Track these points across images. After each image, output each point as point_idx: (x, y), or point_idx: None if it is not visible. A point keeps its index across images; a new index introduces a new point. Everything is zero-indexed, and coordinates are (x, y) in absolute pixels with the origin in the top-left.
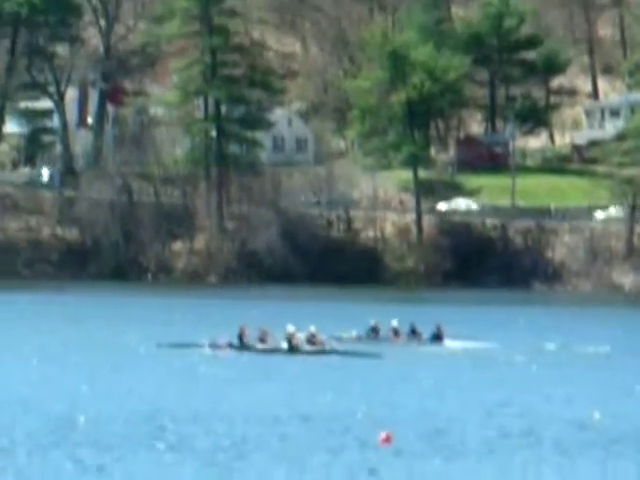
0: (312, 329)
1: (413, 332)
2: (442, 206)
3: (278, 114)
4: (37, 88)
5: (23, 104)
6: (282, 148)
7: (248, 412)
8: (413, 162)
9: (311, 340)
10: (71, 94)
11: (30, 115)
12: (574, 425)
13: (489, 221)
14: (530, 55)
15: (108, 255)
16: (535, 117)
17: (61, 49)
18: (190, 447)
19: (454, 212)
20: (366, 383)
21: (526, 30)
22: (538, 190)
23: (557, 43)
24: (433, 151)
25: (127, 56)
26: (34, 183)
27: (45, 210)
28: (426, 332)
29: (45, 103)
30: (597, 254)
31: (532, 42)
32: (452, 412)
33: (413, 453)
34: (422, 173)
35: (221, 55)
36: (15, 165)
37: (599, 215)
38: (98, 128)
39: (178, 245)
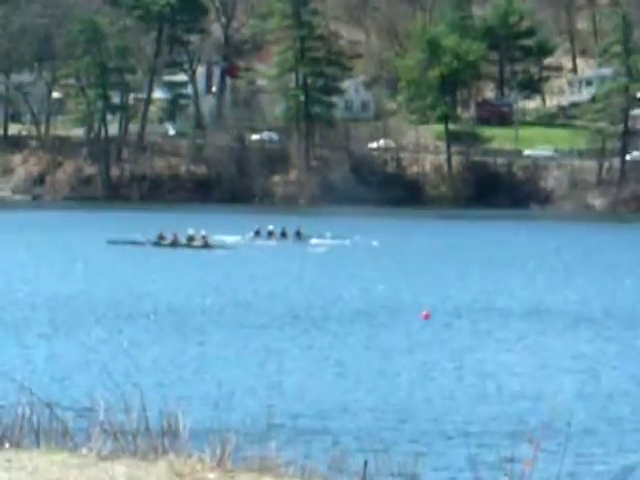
0: (202, 232)
1: (283, 234)
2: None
3: (348, 84)
4: (176, 66)
5: (167, 77)
6: (351, 108)
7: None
8: (444, 118)
9: (204, 240)
10: (200, 70)
11: (171, 85)
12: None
13: (499, 160)
14: (528, 42)
15: (227, 185)
16: (531, 86)
17: (193, 38)
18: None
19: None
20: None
21: (525, 24)
22: (534, 138)
23: (547, 33)
24: (459, 110)
25: (241, 43)
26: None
27: (182, 153)
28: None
29: (182, 77)
30: (576, 183)
31: (529, 32)
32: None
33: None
34: (451, 126)
35: (307, 43)
36: (160, 121)
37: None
38: (220, 94)
39: (277, 178)
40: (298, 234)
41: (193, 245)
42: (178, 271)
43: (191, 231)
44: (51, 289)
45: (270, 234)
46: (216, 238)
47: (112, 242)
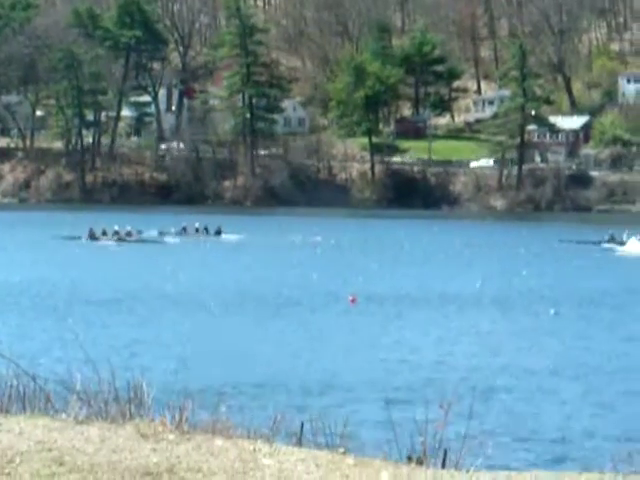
0: (128, 228)
1: (206, 229)
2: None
3: (287, 103)
4: (141, 89)
5: (133, 98)
6: (289, 124)
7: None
8: (369, 133)
9: (127, 234)
10: (162, 92)
11: (137, 105)
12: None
13: (415, 168)
14: (439, 68)
15: (184, 189)
16: (442, 105)
17: (156, 65)
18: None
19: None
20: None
21: (437, 52)
22: (444, 149)
23: (455, 60)
24: (381, 126)
25: (196, 69)
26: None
27: (146, 162)
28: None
29: (146, 98)
30: (480, 187)
31: (440, 60)
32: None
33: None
34: (374, 139)
35: (252, 68)
36: (128, 135)
37: (473, 164)
38: (178, 112)
39: (227, 183)
40: (218, 231)
41: (122, 239)
42: (115, 262)
43: (116, 227)
44: (10, 276)
45: (197, 230)
46: (145, 234)
47: (55, 237)
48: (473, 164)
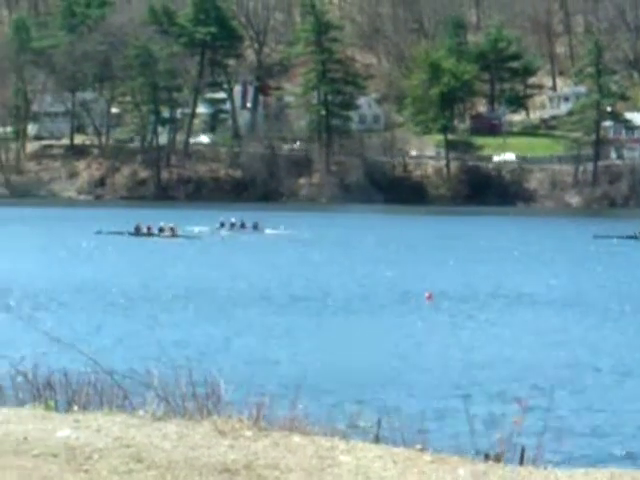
0: (171, 224)
1: (242, 225)
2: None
3: (362, 100)
4: (216, 85)
5: (208, 95)
6: (365, 121)
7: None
8: (444, 129)
9: (172, 230)
10: (237, 89)
11: (212, 102)
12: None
13: (490, 165)
14: (514, 64)
15: (259, 186)
16: (517, 102)
17: (231, 62)
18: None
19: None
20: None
21: (512, 49)
22: (520, 146)
23: (531, 57)
24: (456, 122)
25: (271, 66)
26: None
27: (221, 159)
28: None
29: (221, 94)
30: (556, 184)
31: (516, 56)
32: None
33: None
34: (449, 136)
35: (327, 65)
36: (204, 132)
37: (496, 158)
38: (253, 109)
39: (302, 180)
40: (255, 226)
41: (163, 235)
42: (177, 257)
43: (162, 223)
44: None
45: (232, 225)
46: (186, 229)
47: (98, 232)
48: (495, 158)
